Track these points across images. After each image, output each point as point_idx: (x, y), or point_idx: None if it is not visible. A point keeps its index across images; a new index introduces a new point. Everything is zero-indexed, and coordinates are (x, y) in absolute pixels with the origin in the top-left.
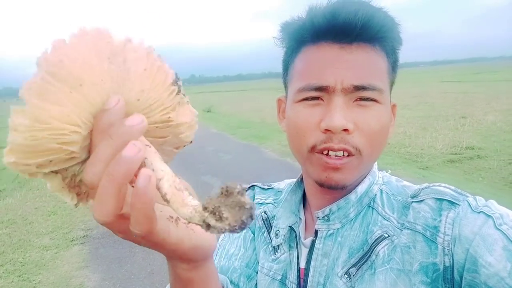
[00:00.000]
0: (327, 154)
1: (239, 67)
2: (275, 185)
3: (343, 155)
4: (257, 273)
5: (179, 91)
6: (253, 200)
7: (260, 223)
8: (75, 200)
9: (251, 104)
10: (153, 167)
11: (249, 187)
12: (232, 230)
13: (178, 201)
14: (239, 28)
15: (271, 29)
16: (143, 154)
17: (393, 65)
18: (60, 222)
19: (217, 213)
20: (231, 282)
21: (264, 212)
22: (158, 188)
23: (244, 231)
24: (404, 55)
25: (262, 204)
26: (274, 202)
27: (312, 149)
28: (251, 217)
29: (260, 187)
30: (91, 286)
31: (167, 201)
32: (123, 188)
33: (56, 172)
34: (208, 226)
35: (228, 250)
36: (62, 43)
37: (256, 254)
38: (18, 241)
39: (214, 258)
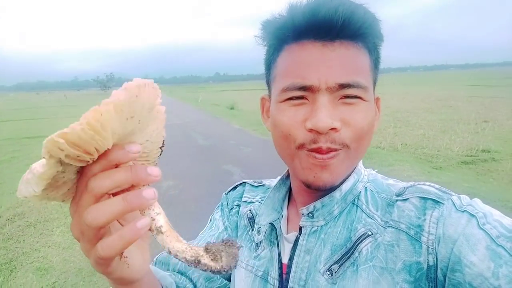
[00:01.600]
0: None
1: (263, 66)
2: (267, 182)
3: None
4: (222, 276)
5: (161, 153)
6: (241, 197)
7: (245, 221)
8: (41, 187)
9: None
10: (153, 206)
11: (240, 183)
12: (219, 271)
13: (173, 236)
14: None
15: None
16: (154, 202)
17: (375, 62)
18: None
19: (217, 255)
20: (190, 280)
21: (250, 211)
22: (153, 220)
23: (219, 230)
24: (433, 58)
25: (249, 203)
26: (261, 200)
27: (301, 147)
28: (235, 266)
29: (251, 185)
30: None
31: (161, 232)
32: (122, 214)
33: (61, 163)
34: (197, 263)
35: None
36: (143, 84)
37: None
38: (67, 210)
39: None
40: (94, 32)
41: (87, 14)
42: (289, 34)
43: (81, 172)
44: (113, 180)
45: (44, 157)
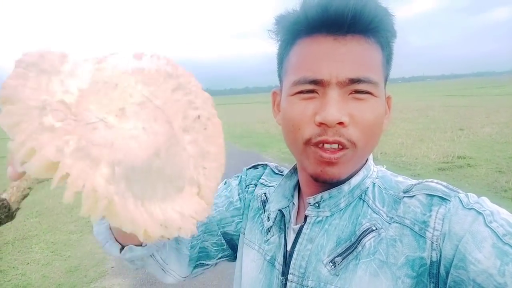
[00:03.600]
0: (322, 147)
1: (246, 80)
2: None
3: (338, 148)
4: (219, 235)
5: None
6: (259, 178)
7: (259, 204)
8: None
9: (256, 115)
10: None
11: (262, 164)
12: None
13: None
14: (246, 42)
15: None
16: None
17: (388, 58)
18: None
19: None
20: None
21: (264, 194)
22: None
23: (234, 198)
24: (411, 69)
25: (265, 186)
26: (275, 186)
27: (307, 142)
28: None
29: (272, 170)
30: (111, 259)
31: None
32: None
33: None
34: None
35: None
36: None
37: (233, 220)
38: (47, 227)
39: None
40: (50, 44)
41: (60, 29)
42: (302, 28)
43: None
44: None
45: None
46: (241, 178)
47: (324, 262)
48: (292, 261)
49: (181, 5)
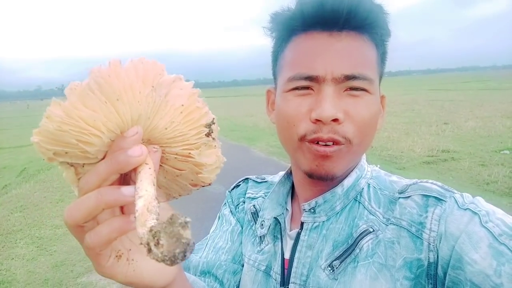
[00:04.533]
0: (316, 144)
1: (234, 73)
2: (269, 178)
3: (333, 144)
4: (243, 266)
5: (209, 134)
6: (245, 194)
7: (249, 216)
8: (75, 189)
9: (245, 109)
10: (141, 185)
11: (242, 180)
12: (163, 260)
13: (141, 220)
14: (234, 35)
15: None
16: (143, 159)
17: (382, 57)
18: None
19: (156, 238)
20: (216, 278)
21: (253, 206)
22: (135, 205)
23: (232, 224)
24: (397, 63)
25: (252, 198)
26: (265, 195)
27: (302, 139)
28: (184, 254)
29: (254, 180)
30: None
31: (135, 218)
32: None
33: (71, 164)
34: (149, 250)
35: (216, 243)
36: (117, 63)
37: (242, 248)
38: (32, 221)
39: (203, 249)
40: (58, 40)
41: (50, 21)
42: (298, 25)
43: None
44: (97, 174)
45: (51, 162)
46: (227, 203)
47: (322, 266)
48: (293, 269)
49: None
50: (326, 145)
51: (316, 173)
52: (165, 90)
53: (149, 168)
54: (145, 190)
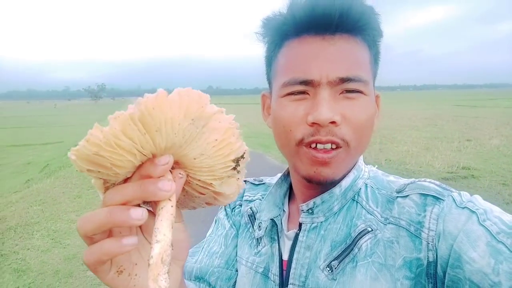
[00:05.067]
0: (315, 148)
1: (256, 80)
2: (267, 180)
3: (331, 148)
4: (236, 271)
5: (235, 168)
6: (242, 196)
7: (246, 219)
8: (102, 194)
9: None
10: (160, 226)
11: None
12: None
13: (154, 273)
14: (257, 43)
15: None
16: (170, 195)
17: (375, 57)
18: (84, 204)
19: None
20: (209, 284)
21: (250, 208)
22: (151, 246)
23: (226, 228)
24: (423, 77)
25: (250, 201)
26: (262, 197)
27: (300, 143)
28: None
29: (252, 183)
30: None
31: (148, 263)
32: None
33: (100, 177)
34: None
35: (211, 248)
36: (163, 96)
37: (236, 251)
38: (49, 215)
39: (199, 252)
40: (87, 43)
41: (80, 24)
42: (290, 29)
43: None
44: (122, 194)
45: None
46: (224, 206)
47: (321, 267)
48: (292, 270)
49: (192, 3)
50: (324, 149)
51: (315, 179)
52: (203, 122)
53: (171, 206)
54: (163, 235)
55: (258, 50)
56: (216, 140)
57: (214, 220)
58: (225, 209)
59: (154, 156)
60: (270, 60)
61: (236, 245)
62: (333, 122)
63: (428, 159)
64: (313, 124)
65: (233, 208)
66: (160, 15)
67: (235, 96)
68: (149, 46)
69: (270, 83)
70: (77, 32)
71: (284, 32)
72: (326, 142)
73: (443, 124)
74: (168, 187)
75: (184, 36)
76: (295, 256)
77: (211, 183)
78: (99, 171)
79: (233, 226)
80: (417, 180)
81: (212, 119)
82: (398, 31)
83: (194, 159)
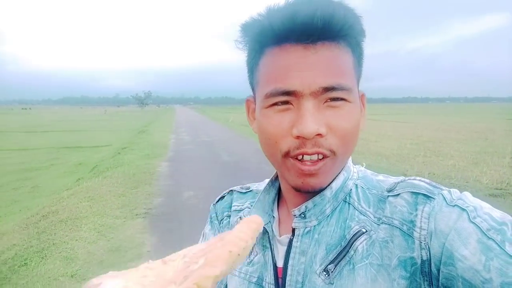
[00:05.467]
0: (301, 160)
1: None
2: (254, 187)
3: (318, 159)
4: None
5: None
6: (230, 207)
7: None
8: None
9: None
10: None
11: (227, 192)
12: None
13: None
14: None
15: None
16: None
17: (359, 59)
18: (127, 202)
19: None
20: None
21: (240, 218)
22: None
23: None
24: (474, 89)
25: (239, 211)
26: (251, 205)
27: (286, 155)
28: None
29: (239, 192)
30: (148, 244)
31: None
32: None
33: None
34: None
35: None
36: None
37: None
38: (96, 210)
39: None
40: (135, 53)
41: (130, 35)
42: (269, 38)
43: None
44: None
45: None
46: (211, 218)
47: (317, 272)
48: (287, 277)
49: (233, 11)
50: (311, 160)
51: (303, 189)
52: None
53: None
54: None
55: None
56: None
57: (201, 234)
58: (211, 222)
59: None
60: (251, 67)
61: None
62: (319, 134)
63: (476, 174)
64: (298, 137)
65: (221, 220)
66: (201, 25)
67: None
68: (193, 54)
69: (253, 89)
70: (127, 42)
71: (264, 40)
72: (313, 154)
73: (494, 138)
74: None
75: (225, 43)
76: (290, 262)
77: None
78: None
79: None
80: (407, 178)
81: None
82: (448, 41)
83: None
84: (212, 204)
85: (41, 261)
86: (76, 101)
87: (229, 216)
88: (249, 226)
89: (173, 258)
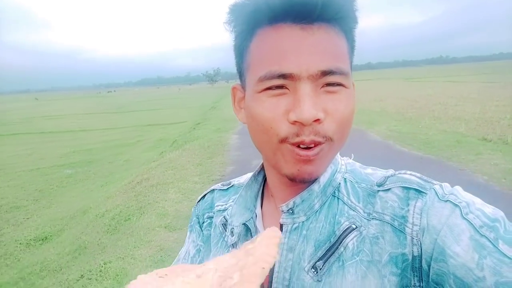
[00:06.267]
0: (298, 146)
1: (368, 55)
2: (236, 181)
3: (314, 146)
4: None
5: None
6: (212, 207)
7: (220, 228)
8: None
9: (374, 93)
10: None
11: (208, 192)
12: None
13: None
14: (365, 14)
15: (408, 14)
16: None
17: (352, 45)
18: (204, 170)
19: None
20: None
21: (223, 217)
22: None
23: (191, 254)
24: None
25: (223, 210)
26: (234, 202)
27: (283, 141)
28: None
29: (220, 189)
30: None
31: None
32: None
33: None
34: None
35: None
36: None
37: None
38: (179, 177)
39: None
40: (203, 32)
41: (197, 15)
42: (263, 17)
43: None
44: None
45: None
46: (191, 224)
47: (306, 268)
48: (274, 274)
49: None
50: (308, 147)
51: (299, 177)
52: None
53: None
54: None
55: (365, 21)
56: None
57: (187, 236)
58: (192, 230)
59: None
60: (240, 50)
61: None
62: (316, 120)
63: None
64: (295, 122)
65: (203, 223)
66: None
67: None
68: None
69: (242, 75)
70: (195, 22)
71: (256, 20)
72: (310, 143)
73: None
74: None
75: None
76: (277, 259)
77: None
78: None
79: (201, 249)
80: (397, 172)
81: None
82: None
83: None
84: (193, 208)
85: (140, 216)
86: (154, 82)
87: (210, 217)
88: (273, 241)
89: (206, 271)
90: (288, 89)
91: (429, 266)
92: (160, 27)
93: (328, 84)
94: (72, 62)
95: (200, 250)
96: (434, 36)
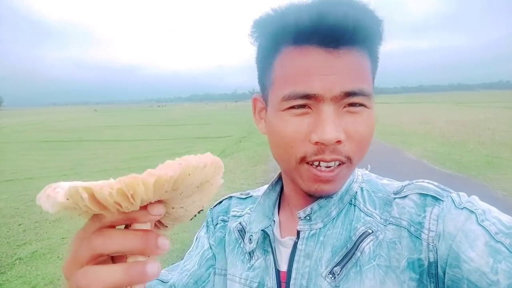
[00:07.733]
0: (318, 165)
1: (420, 78)
2: (254, 193)
3: (335, 166)
4: None
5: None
6: (227, 211)
7: (236, 235)
8: (56, 210)
9: (422, 116)
10: None
11: (226, 198)
12: None
13: None
14: (419, 36)
15: (461, 39)
16: (155, 278)
17: (374, 63)
18: (249, 175)
19: None
20: None
21: (240, 223)
22: None
23: (204, 248)
24: None
25: (238, 216)
26: (251, 211)
27: (302, 160)
28: None
29: (238, 197)
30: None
31: None
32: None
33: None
34: None
35: (185, 265)
36: (202, 165)
37: (209, 274)
38: (228, 179)
39: (177, 269)
40: (248, 50)
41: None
42: (289, 37)
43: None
44: (118, 244)
45: (62, 200)
46: (207, 223)
47: (323, 274)
48: (292, 281)
49: None
50: (327, 167)
51: (316, 194)
52: (204, 185)
53: None
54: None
55: (419, 42)
56: (200, 199)
57: (195, 237)
58: (207, 227)
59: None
60: (264, 65)
61: (211, 266)
62: (338, 141)
63: None
64: (317, 143)
65: (216, 224)
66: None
67: (395, 94)
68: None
69: (264, 88)
70: (242, 40)
71: (282, 38)
72: (331, 161)
73: None
74: (166, 246)
75: None
76: (294, 265)
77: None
78: (93, 211)
79: (212, 247)
80: (414, 181)
81: (209, 183)
82: None
83: (172, 208)
84: (209, 209)
85: (198, 213)
86: (201, 98)
87: (224, 221)
88: (213, 159)
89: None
90: (310, 108)
91: (444, 272)
92: (209, 44)
93: (350, 105)
94: (128, 78)
95: (212, 247)
96: (493, 60)
